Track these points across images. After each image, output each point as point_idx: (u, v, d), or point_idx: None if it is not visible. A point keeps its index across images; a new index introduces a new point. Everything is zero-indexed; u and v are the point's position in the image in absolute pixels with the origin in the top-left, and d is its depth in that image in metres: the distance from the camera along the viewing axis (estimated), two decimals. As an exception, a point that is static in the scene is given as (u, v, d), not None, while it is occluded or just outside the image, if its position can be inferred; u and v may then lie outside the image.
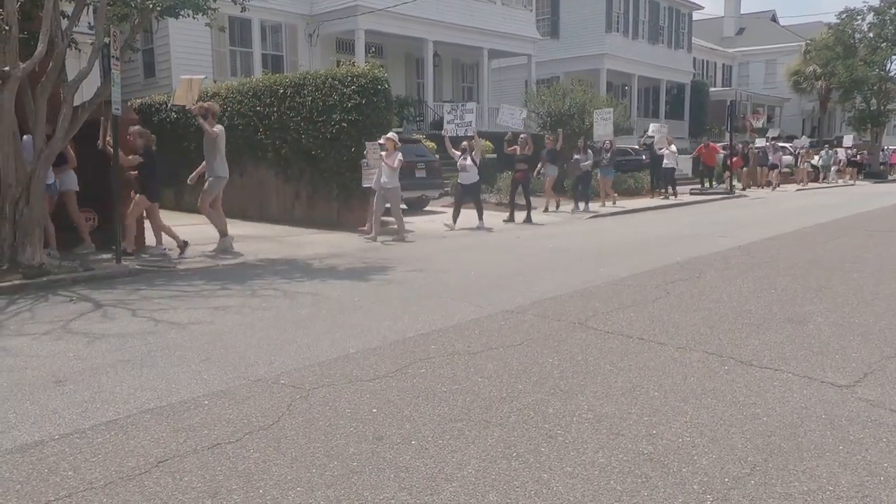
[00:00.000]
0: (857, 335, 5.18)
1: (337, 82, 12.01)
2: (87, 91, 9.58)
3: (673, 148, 19.96)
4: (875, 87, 34.08)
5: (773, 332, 5.27)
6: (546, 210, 15.50)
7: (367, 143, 11.26)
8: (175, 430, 3.50)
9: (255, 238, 10.87)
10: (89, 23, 8.68)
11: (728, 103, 26.28)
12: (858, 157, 32.57)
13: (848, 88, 34.49)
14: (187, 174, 10.11)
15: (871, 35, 34.42)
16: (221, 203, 9.77)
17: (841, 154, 31.46)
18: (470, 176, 12.62)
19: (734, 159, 23.57)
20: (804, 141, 31.56)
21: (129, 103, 12.12)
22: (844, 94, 35.10)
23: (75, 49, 9.79)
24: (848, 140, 32.79)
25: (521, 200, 13.75)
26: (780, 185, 25.58)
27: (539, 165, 15.44)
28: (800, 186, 26.30)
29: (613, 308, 6.09)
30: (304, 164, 12.56)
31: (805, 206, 17.66)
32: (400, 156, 11.08)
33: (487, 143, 19.15)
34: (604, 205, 16.74)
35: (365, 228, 11.49)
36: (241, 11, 10.21)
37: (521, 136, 13.89)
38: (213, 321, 5.77)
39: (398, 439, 3.37)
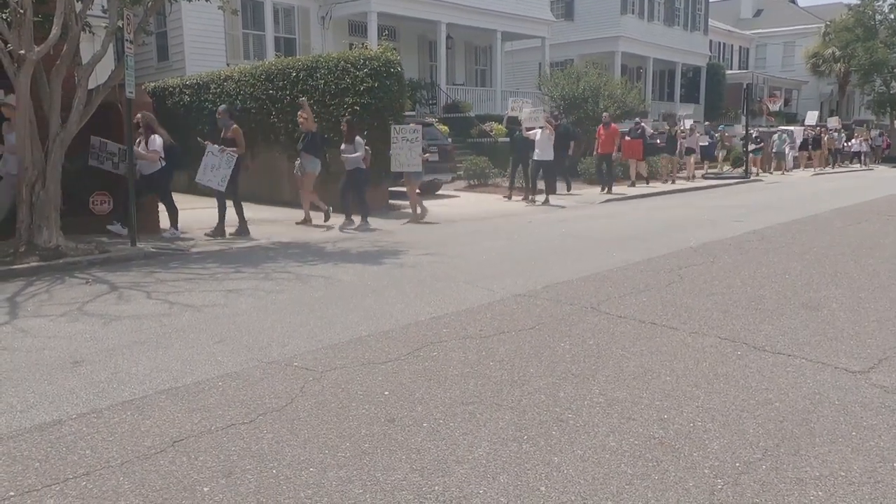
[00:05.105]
0: (873, 321, 5.14)
1: (349, 65, 11.97)
2: (101, 74, 9.61)
3: (549, 131, 13.97)
4: (895, 70, 33.51)
5: (787, 318, 5.24)
6: (305, 220, 10.85)
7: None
8: (190, 410, 3.55)
9: (267, 221, 10.91)
10: (103, 6, 8.69)
11: (744, 86, 25.92)
12: (825, 137, 27.33)
13: (867, 71, 33.96)
14: (201, 158, 10.09)
15: (892, 17, 33.84)
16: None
17: (797, 135, 26.57)
18: (148, 166, 9.24)
19: (628, 140, 17.71)
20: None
21: (142, 86, 12.15)
22: (864, 76, 34.58)
23: (89, 32, 9.83)
24: (811, 118, 28.27)
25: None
26: (698, 174, 21.02)
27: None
28: (816, 171, 25.84)
29: (626, 292, 6.07)
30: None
31: (821, 190, 17.46)
32: (157, 140, 8.95)
33: (499, 126, 18.91)
34: (416, 215, 11.43)
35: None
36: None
37: (217, 112, 10.15)
38: (227, 304, 5.82)
39: (410, 421, 3.40)
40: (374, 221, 10.77)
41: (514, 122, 15.27)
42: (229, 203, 9.82)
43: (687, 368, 4.14)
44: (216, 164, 9.56)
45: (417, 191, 12.09)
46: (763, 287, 6.28)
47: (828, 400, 3.64)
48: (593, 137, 17.37)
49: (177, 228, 9.53)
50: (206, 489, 2.77)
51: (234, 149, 9.72)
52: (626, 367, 4.17)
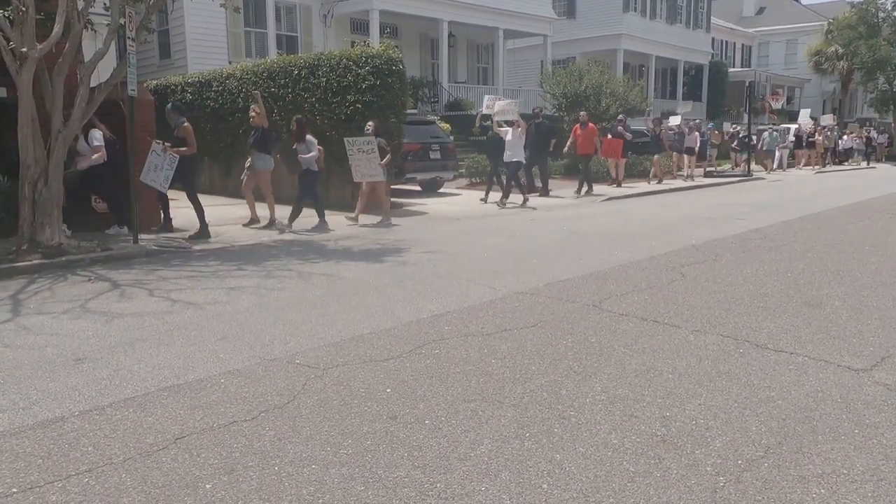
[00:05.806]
0: (875, 319, 5.13)
1: (351, 63, 11.96)
2: (103, 72, 9.61)
3: (520, 130, 13.25)
4: (898, 68, 33.47)
5: (790, 316, 5.23)
6: (256, 223, 10.39)
7: None
8: (192, 407, 3.55)
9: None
10: (105, 3, 8.66)
11: (747, 84, 25.85)
12: (820, 137, 26.45)
13: (870, 69, 33.90)
14: (204, 155, 10.03)
15: (895, 14, 33.73)
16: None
17: (791, 133, 25.67)
18: (86, 161, 8.99)
19: (609, 139, 17.00)
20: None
21: (144, 84, 12.15)
22: (867, 74, 34.51)
23: (91, 30, 9.83)
24: (804, 116, 26.81)
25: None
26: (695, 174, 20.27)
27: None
28: (818, 169, 25.74)
29: (628, 290, 6.06)
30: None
31: (822, 188, 17.43)
32: (97, 133, 8.79)
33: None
34: (356, 219, 10.68)
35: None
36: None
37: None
38: (229, 301, 5.82)
39: (412, 419, 3.40)
40: (368, 219, 10.77)
41: (487, 120, 14.48)
42: (207, 202, 9.53)
43: (689, 366, 4.14)
44: (159, 164, 9.09)
45: (419, 189, 11.92)
46: (765, 285, 6.27)
47: (830, 398, 3.63)
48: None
49: (120, 227, 9.24)
50: (208, 486, 2.78)
51: (184, 148, 9.27)
52: (628, 364, 4.17)
